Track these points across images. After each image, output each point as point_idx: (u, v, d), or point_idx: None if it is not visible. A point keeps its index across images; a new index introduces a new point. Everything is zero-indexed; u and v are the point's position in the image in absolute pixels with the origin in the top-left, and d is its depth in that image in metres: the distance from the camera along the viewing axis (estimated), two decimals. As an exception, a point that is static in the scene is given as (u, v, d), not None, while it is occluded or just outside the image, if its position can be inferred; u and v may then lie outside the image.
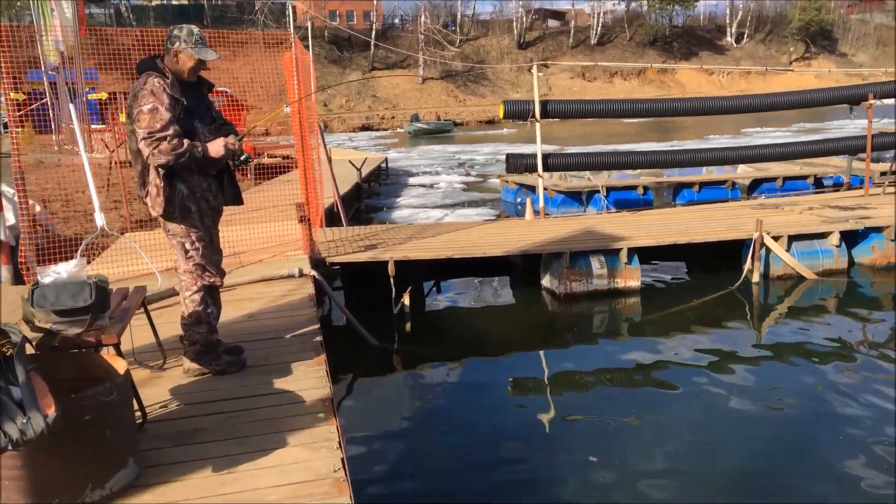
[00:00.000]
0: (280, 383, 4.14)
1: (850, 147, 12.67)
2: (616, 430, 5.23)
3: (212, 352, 4.42)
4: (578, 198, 14.43)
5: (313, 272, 6.79)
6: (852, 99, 12.13)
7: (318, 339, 4.91)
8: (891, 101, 12.13)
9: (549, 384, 6.36)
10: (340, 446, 3.32)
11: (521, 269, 9.54)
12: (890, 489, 4.31)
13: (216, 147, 4.14)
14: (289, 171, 13.54)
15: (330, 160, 12.25)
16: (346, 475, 3.07)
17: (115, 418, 3.07)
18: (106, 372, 3.33)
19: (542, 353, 7.21)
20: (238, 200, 4.53)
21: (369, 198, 17.75)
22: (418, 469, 4.81)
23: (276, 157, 19.28)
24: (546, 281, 8.83)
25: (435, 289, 9.43)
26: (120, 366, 3.30)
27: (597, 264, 8.47)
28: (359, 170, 15.77)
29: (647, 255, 8.97)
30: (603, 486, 4.50)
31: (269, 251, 7.82)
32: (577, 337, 7.55)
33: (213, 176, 4.33)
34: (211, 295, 4.39)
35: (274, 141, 23.96)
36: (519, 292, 9.22)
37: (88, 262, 7.50)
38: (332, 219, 11.65)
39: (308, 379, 4.17)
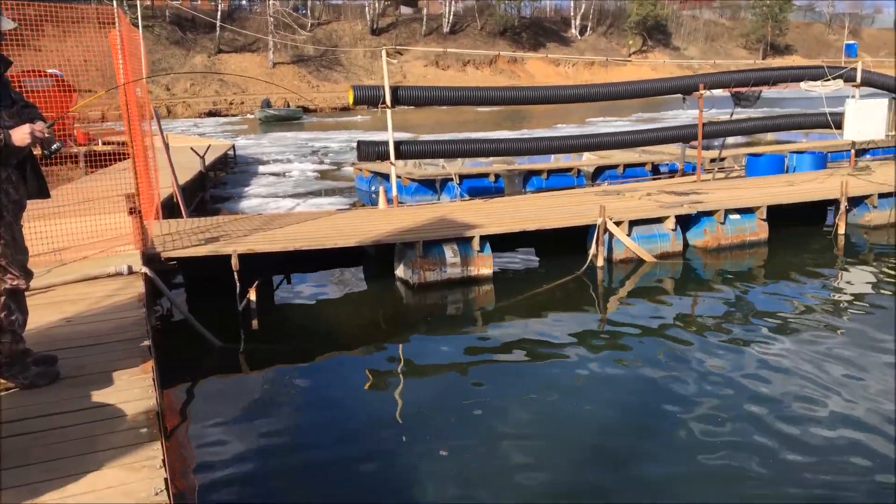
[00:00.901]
0: (98, 396, 3.71)
1: (683, 135, 13.44)
2: (470, 420, 5.17)
3: (17, 363, 3.90)
4: (432, 186, 14.42)
5: (145, 269, 6.26)
6: (685, 89, 12.84)
7: (146, 343, 4.48)
8: (719, 91, 12.97)
9: (403, 376, 6.21)
10: (165, 465, 2.99)
11: (375, 259, 9.36)
12: (723, 452, 4.52)
13: (21, 134, 3.64)
14: (125, 160, 12.59)
15: (168, 147, 11.49)
16: (169, 498, 2.75)
17: None
18: None
19: (396, 344, 7.06)
20: (43, 193, 4.02)
21: (215, 187, 16.91)
22: (265, 477, 4.51)
23: (111, 143, 17.97)
24: (400, 271, 8.69)
25: (285, 282, 9.06)
26: None
27: (450, 253, 8.43)
28: (202, 157, 14.94)
29: (498, 242, 9.05)
30: (454, 479, 4.41)
31: (97, 247, 7.15)
32: (431, 326, 7.46)
33: (14, 166, 3.81)
34: (15, 300, 3.87)
35: (110, 126, 22.36)
36: (373, 283, 9.03)
37: None
38: (171, 210, 10.93)
39: (131, 389, 3.77)
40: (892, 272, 8.80)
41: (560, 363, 6.25)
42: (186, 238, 8.20)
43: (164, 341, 6.90)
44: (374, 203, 13.08)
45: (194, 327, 6.51)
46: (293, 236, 8.41)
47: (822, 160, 14.04)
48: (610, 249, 9.15)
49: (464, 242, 8.53)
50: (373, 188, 15.05)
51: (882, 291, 8.13)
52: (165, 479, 2.88)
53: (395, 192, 11.15)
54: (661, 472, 4.47)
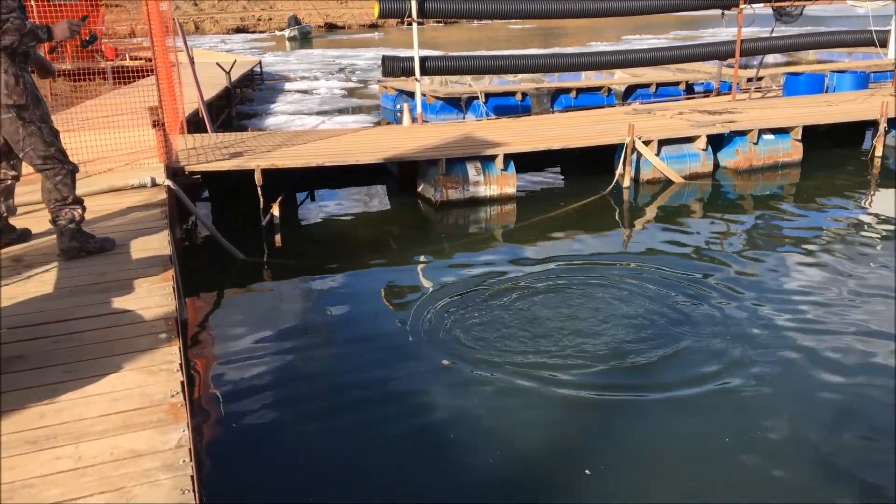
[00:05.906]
0: (119, 302, 3.77)
1: (720, 53, 12.95)
2: (487, 335, 5.19)
3: (84, 232, 4.54)
4: (458, 104, 14.17)
5: (168, 182, 6.28)
6: (724, 4, 12.29)
7: (167, 253, 4.52)
8: (760, 5, 12.39)
9: (423, 293, 6.23)
10: (182, 369, 3.04)
11: (398, 176, 9.30)
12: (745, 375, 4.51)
13: (61, 28, 4.14)
14: (152, 75, 12.57)
15: (193, 62, 11.37)
16: (185, 400, 2.81)
17: None
18: None
19: (417, 261, 7.08)
20: None
21: (241, 104, 16.81)
22: (283, 388, 4.61)
23: (139, 59, 17.89)
24: (422, 188, 8.64)
25: (309, 199, 9.07)
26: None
27: (473, 171, 8.34)
28: (228, 73, 14.77)
29: (523, 161, 8.91)
30: (463, 391, 4.47)
31: (122, 159, 7.18)
32: (452, 244, 7.44)
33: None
34: (73, 180, 4.48)
35: (139, 42, 22.22)
36: (395, 201, 9.00)
37: None
38: (197, 126, 10.91)
39: (151, 297, 3.82)
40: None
41: (582, 283, 6.21)
42: (211, 153, 8.19)
43: (188, 255, 7.02)
44: (399, 121, 12.92)
45: (218, 240, 6.58)
46: (316, 152, 8.36)
47: (863, 80, 13.47)
48: (637, 169, 8.97)
49: (487, 160, 8.41)
50: (397, 106, 14.84)
51: (917, 215, 7.90)
52: (182, 382, 2.93)
53: (419, 108, 10.98)
54: (674, 395, 4.48)
